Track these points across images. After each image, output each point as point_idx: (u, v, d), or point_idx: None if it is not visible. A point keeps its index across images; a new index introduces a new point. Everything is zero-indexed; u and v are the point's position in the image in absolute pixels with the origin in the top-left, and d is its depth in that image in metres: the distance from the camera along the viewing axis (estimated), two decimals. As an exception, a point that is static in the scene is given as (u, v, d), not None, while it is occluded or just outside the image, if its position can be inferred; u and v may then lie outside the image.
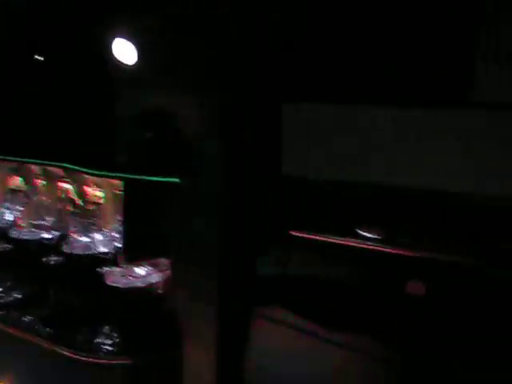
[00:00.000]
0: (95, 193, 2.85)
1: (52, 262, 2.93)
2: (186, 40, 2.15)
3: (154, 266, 2.52)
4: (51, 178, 3.11)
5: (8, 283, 3.14)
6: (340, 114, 2.08)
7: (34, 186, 3.24)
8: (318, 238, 2.13)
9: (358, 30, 2.00)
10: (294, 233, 2.17)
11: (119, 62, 2.19)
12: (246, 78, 2.14)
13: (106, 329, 2.66)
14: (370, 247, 2.01)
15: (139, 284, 2.46)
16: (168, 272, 2.45)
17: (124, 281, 2.48)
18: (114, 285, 2.48)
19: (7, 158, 3.11)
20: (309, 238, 2.15)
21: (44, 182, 3.18)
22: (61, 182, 3.06)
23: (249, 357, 2.23)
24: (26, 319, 2.83)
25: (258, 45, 2.15)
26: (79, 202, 2.96)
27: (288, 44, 2.12)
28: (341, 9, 2.02)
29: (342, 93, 2.04)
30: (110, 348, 2.53)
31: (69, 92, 2.59)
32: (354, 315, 2.02)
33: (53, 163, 2.84)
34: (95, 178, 2.76)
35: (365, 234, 2.05)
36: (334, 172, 2.11)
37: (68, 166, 2.66)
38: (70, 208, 2.99)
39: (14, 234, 3.10)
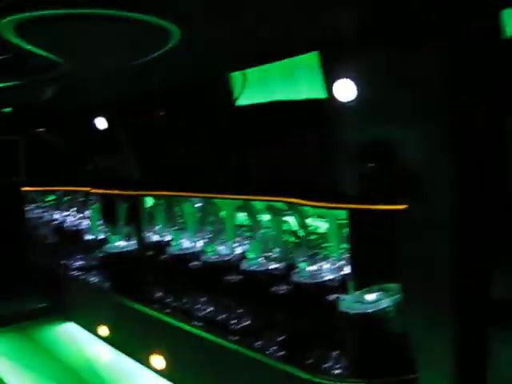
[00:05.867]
0: (319, 224, 2.98)
1: (281, 292, 3.07)
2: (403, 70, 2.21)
3: (384, 291, 2.54)
4: (274, 213, 3.31)
5: (240, 311, 3.37)
6: None
7: (258, 221, 3.49)
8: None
9: None
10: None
11: (339, 100, 2.31)
12: (471, 99, 2.09)
13: (336, 354, 2.78)
14: None
15: (370, 310, 2.49)
16: (398, 297, 2.46)
17: (355, 307, 2.53)
18: (345, 311, 2.55)
19: (232, 196, 3.38)
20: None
21: (268, 217, 3.39)
22: (284, 215, 3.25)
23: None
24: (258, 344, 3.02)
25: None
26: (303, 233, 3.11)
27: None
28: None
29: None
30: (340, 371, 2.63)
31: (291, 132, 2.78)
32: None
33: (277, 199, 3.02)
34: (318, 210, 2.89)
35: None
36: None
37: (293, 200, 2.83)
38: (295, 239, 3.15)
39: (243, 266, 3.31)
